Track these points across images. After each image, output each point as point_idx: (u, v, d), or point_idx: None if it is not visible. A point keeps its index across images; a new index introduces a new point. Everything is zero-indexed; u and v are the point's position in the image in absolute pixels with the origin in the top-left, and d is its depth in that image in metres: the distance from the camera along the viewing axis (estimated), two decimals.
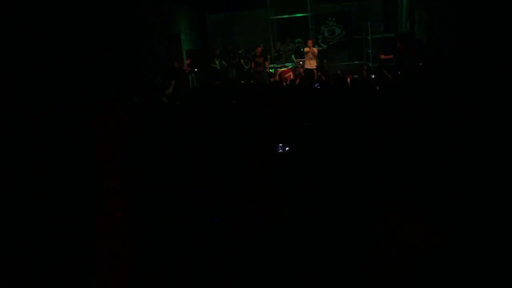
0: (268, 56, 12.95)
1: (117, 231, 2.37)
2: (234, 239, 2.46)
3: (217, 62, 12.29)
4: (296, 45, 13.50)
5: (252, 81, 11.57)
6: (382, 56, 10.81)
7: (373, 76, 9.85)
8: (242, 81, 11.54)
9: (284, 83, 10.11)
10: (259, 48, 12.10)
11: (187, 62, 11.25)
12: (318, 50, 12.14)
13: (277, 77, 12.35)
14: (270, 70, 12.80)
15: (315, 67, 11.75)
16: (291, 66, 12.83)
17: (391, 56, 10.43)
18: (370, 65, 12.92)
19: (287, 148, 3.28)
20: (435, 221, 2.41)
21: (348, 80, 8.91)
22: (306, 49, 11.69)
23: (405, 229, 2.42)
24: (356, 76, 10.50)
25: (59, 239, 2.32)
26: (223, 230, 2.53)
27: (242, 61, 12.68)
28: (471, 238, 2.25)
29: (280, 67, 12.91)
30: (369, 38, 13.18)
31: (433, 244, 2.28)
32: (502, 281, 2.03)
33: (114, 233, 2.35)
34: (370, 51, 13.22)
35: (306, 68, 11.76)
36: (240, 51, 13.13)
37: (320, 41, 13.82)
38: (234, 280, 2.26)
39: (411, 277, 2.20)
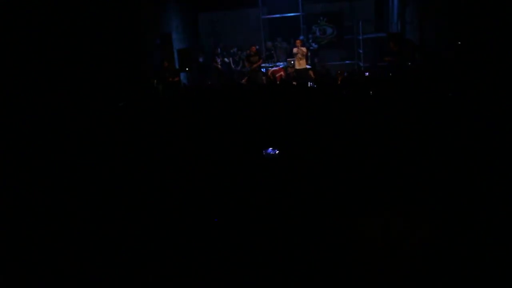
0: (263, 56, 12.87)
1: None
2: (234, 239, 2.45)
3: (219, 61, 12.17)
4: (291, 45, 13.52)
5: (243, 81, 11.45)
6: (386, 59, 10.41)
7: (367, 73, 9.80)
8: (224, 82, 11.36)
9: (277, 82, 10.08)
10: (253, 47, 12.01)
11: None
12: (308, 49, 12.14)
13: (270, 76, 12.30)
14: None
15: (305, 67, 11.75)
16: (282, 66, 12.82)
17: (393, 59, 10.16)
18: (361, 65, 12.94)
19: (277, 152, 3.28)
20: (435, 221, 2.41)
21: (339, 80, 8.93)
22: (295, 49, 11.68)
23: (404, 229, 2.43)
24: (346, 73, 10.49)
25: (60, 239, 2.30)
26: (223, 230, 2.52)
27: (229, 60, 12.61)
28: (471, 238, 2.26)
29: (272, 67, 12.88)
30: (360, 38, 13.23)
31: (431, 243, 2.28)
32: (502, 281, 2.03)
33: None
34: (361, 51, 13.26)
35: (296, 69, 11.76)
36: (232, 50, 13.05)
37: (311, 40, 13.83)
38: (234, 280, 2.24)
39: (410, 277, 2.21)
